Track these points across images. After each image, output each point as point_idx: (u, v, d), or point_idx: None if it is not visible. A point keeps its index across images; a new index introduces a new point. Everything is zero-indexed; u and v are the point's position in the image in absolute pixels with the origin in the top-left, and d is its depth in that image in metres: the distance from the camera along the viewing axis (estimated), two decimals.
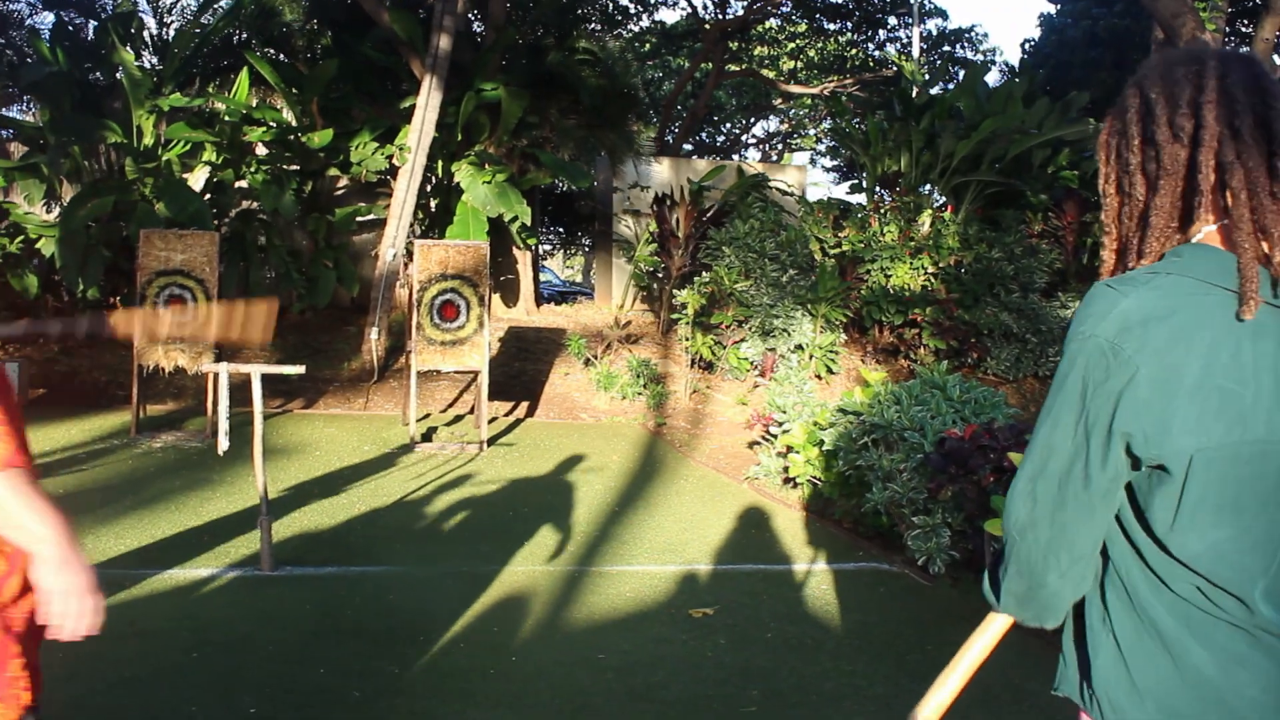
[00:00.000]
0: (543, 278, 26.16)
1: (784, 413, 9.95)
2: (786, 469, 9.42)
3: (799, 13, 27.82)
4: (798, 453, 9.11)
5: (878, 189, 17.16)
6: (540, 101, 16.64)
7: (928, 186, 16.86)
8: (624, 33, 28.46)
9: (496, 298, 17.05)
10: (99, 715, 4.48)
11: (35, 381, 12.23)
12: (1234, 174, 1.68)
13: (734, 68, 28.59)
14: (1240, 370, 1.63)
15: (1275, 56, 13.94)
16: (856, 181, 22.38)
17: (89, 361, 13.05)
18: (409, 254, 13.12)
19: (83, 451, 9.90)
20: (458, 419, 12.54)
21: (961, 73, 21.93)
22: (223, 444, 6.85)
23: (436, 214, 16.00)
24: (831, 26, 28.97)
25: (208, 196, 14.55)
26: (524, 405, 13.23)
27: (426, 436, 11.37)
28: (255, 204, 14.95)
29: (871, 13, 27.82)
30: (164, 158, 14.33)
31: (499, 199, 14.73)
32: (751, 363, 13.32)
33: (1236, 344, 1.63)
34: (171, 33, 16.93)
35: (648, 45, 30.71)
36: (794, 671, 5.38)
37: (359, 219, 15.61)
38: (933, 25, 32.18)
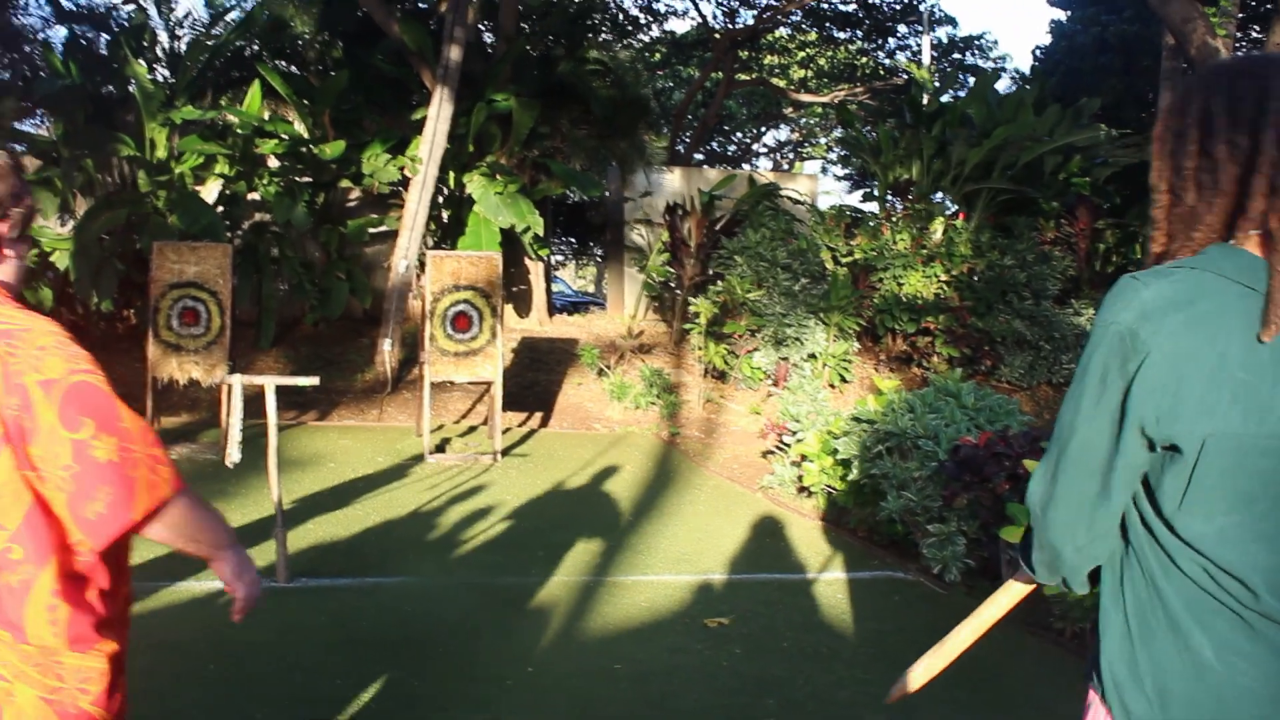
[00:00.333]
0: (555, 288, 26.15)
1: (798, 422, 9.95)
2: (801, 478, 9.42)
3: (809, 21, 27.80)
4: (812, 461, 9.11)
5: (889, 197, 17.15)
6: (551, 112, 16.65)
7: (939, 194, 16.84)
8: (634, 43, 28.48)
9: (509, 308, 17.05)
10: None
11: None
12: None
13: (744, 77, 28.60)
14: (1257, 364, 1.68)
15: None
16: (868, 190, 22.43)
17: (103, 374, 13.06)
18: (421, 265, 13.14)
19: None
20: (471, 430, 12.54)
21: (972, 80, 21.89)
22: (233, 456, 6.86)
23: (448, 225, 16.01)
24: (841, 35, 28.93)
25: (220, 209, 14.58)
26: (537, 416, 13.23)
27: (440, 448, 11.37)
28: (268, 216, 14.97)
29: (881, 21, 27.79)
30: (177, 170, 14.36)
31: (511, 209, 14.74)
32: (765, 372, 13.31)
33: (1254, 339, 1.68)
34: (184, 46, 16.95)
35: (658, 55, 30.71)
36: (810, 680, 5.37)
37: (371, 230, 15.62)
38: (943, 33, 32.17)
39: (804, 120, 36.79)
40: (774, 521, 8.95)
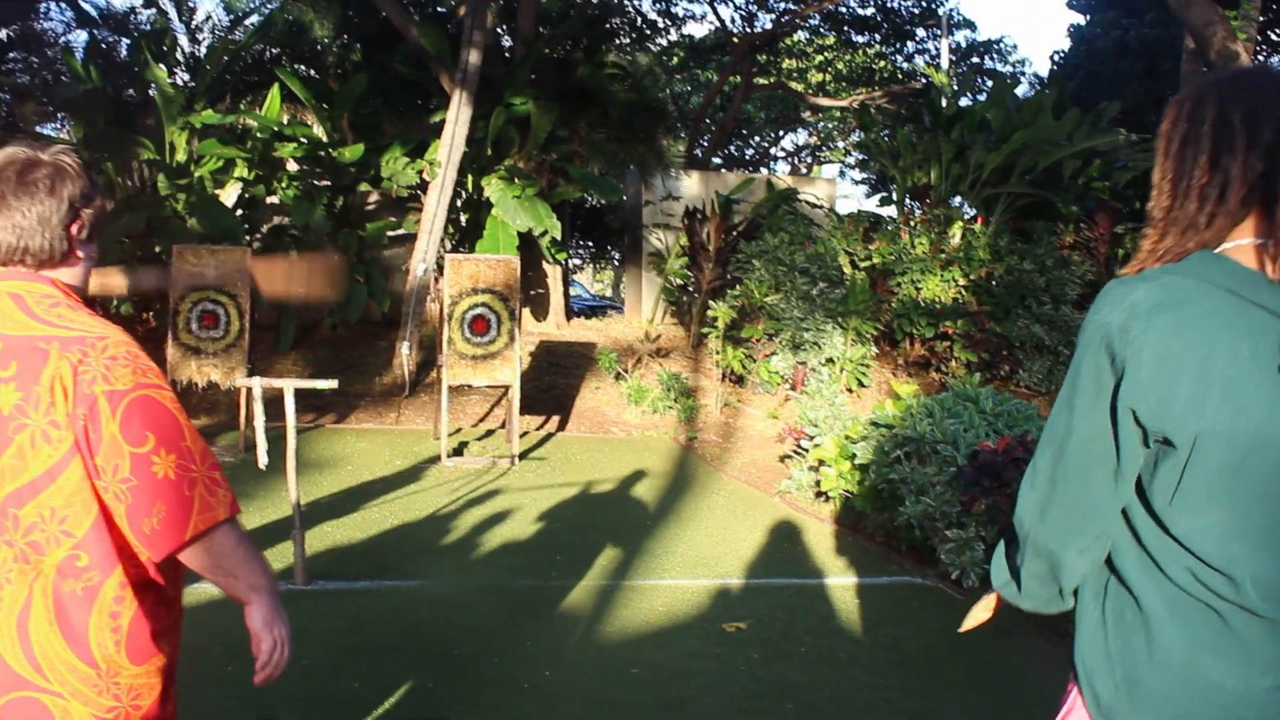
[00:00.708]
0: (573, 292, 26.18)
1: (815, 426, 9.94)
2: (818, 482, 9.40)
3: (827, 25, 27.80)
4: (829, 466, 9.09)
5: (908, 201, 17.12)
6: (570, 115, 16.67)
7: (958, 198, 16.80)
8: (653, 46, 28.50)
9: (526, 312, 17.07)
10: None
11: None
12: None
13: (762, 81, 28.61)
14: (1243, 364, 1.72)
15: None
16: (886, 194, 22.34)
17: None
18: (440, 268, 13.15)
19: None
20: (489, 433, 12.56)
21: (990, 84, 21.84)
22: (262, 459, 6.87)
23: (467, 228, 16.04)
24: (860, 39, 28.92)
25: (240, 212, 14.64)
26: (555, 419, 13.24)
27: (458, 451, 11.39)
28: (287, 219, 15.02)
29: (900, 25, 27.77)
30: (196, 174, 14.43)
31: (529, 213, 14.76)
32: (782, 376, 13.29)
33: (1238, 341, 1.72)
34: (204, 50, 17.07)
35: (676, 59, 30.74)
36: (827, 685, 5.36)
37: (390, 234, 15.66)
38: (961, 37, 32.15)
39: (822, 124, 36.78)
40: (791, 526, 8.93)
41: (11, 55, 18.28)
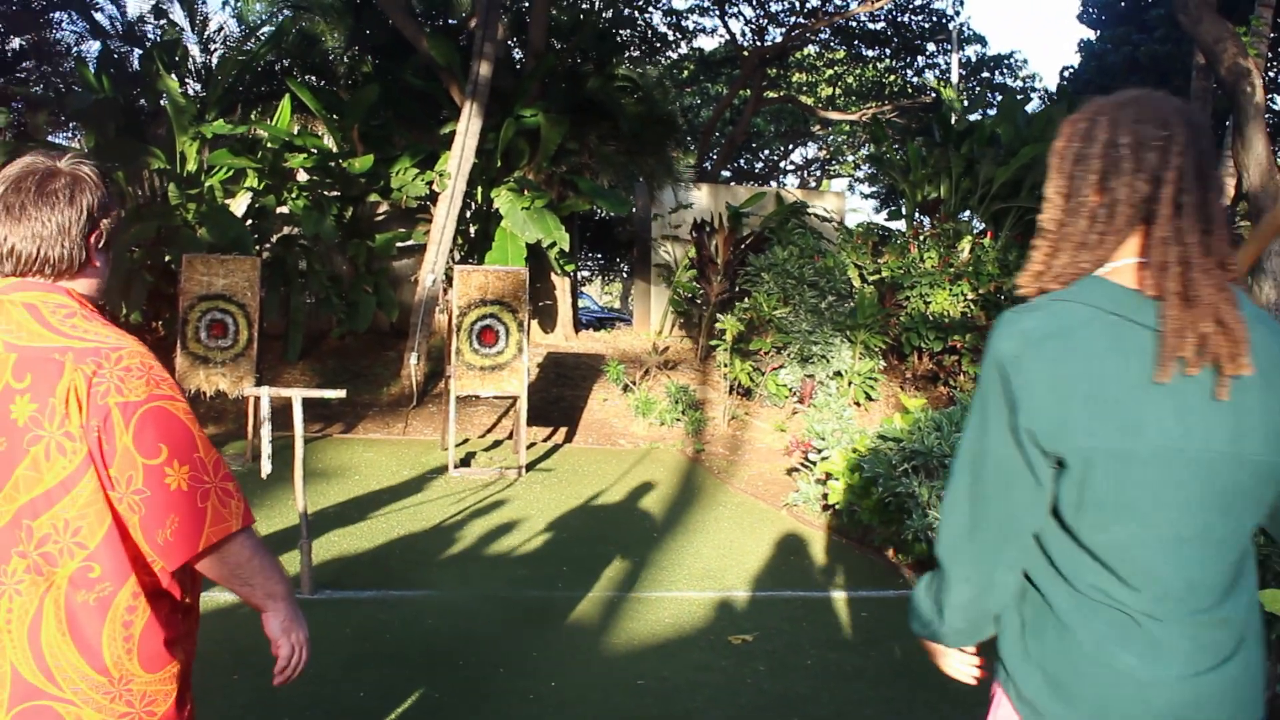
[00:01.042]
0: (581, 304, 26.19)
1: (823, 439, 9.93)
2: (825, 495, 9.39)
3: (837, 39, 27.81)
4: (837, 479, 9.08)
5: (917, 215, 17.12)
6: (580, 128, 16.69)
7: (967, 213, 16.81)
8: (663, 60, 28.53)
9: (535, 323, 17.08)
10: None
11: None
12: (1172, 249, 1.89)
13: (772, 94, 28.60)
14: (1130, 384, 1.85)
15: None
16: (896, 208, 22.36)
17: None
18: (448, 279, 13.18)
19: None
20: (496, 444, 12.56)
21: (1000, 99, 21.89)
22: (266, 467, 6.88)
23: (476, 240, 16.06)
24: (870, 53, 28.92)
25: (249, 222, 14.67)
26: (562, 431, 13.24)
27: (465, 461, 11.39)
28: (296, 229, 15.05)
29: (910, 39, 27.77)
30: (207, 184, 14.46)
31: (538, 225, 14.77)
32: (790, 389, 13.28)
33: (1124, 361, 1.85)
34: (215, 60, 17.09)
35: (686, 72, 30.77)
36: (834, 699, 5.35)
37: (399, 244, 15.68)
38: (972, 51, 32.17)
39: (831, 138, 36.80)
40: (798, 539, 8.92)
41: (24, 65, 18.36)
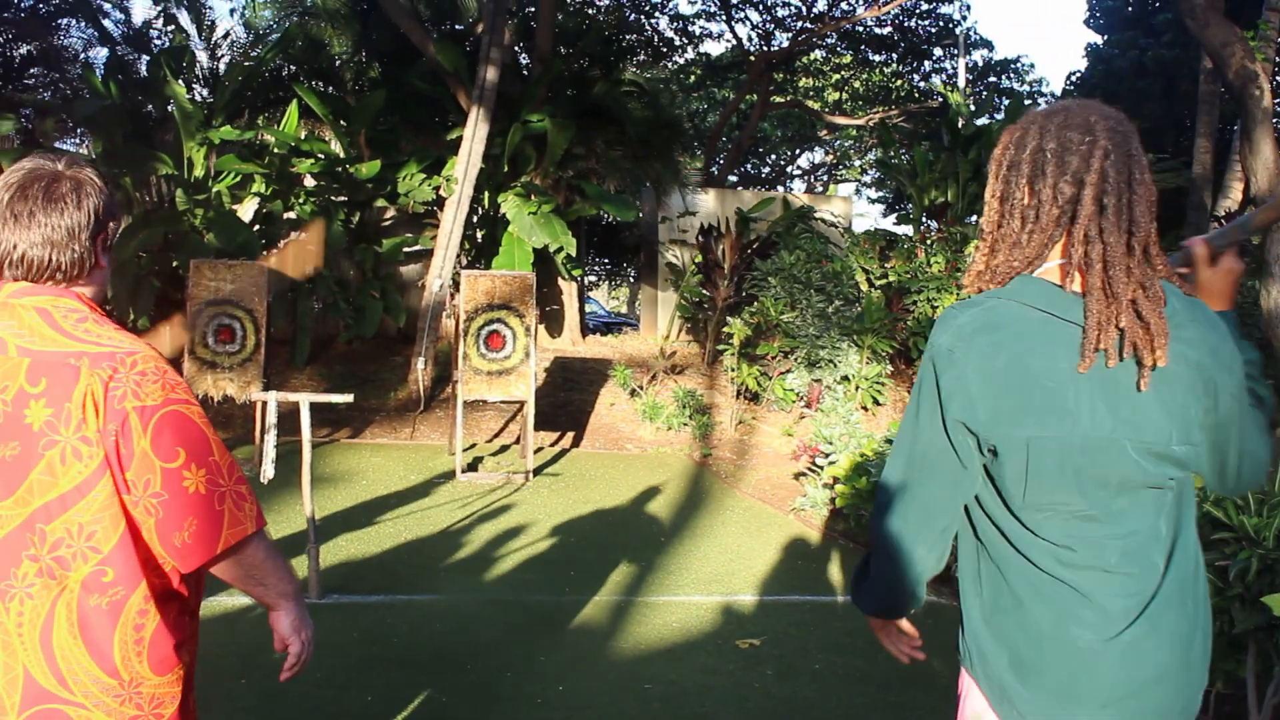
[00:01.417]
0: (588, 308, 26.21)
1: (830, 444, 9.92)
2: (833, 500, 9.38)
3: (844, 44, 27.81)
4: (844, 484, 9.07)
5: (924, 219, 17.11)
6: (586, 133, 16.70)
7: (974, 217, 16.78)
8: (670, 65, 28.54)
9: (542, 328, 17.09)
10: None
11: None
12: (1095, 246, 2.01)
13: (779, 99, 28.62)
14: (1060, 376, 1.97)
15: None
16: (903, 212, 22.36)
17: None
18: (455, 284, 13.18)
19: None
20: (503, 449, 12.56)
21: (1007, 103, 21.85)
22: (268, 472, 6.89)
23: (483, 244, 16.08)
24: (877, 58, 28.93)
25: (257, 227, 14.69)
26: (569, 435, 13.24)
27: (472, 466, 11.39)
28: (304, 235, 15.09)
29: (917, 44, 27.77)
30: (214, 189, 14.49)
31: (545, 230, 14.79)
32: (797, 394, 13.27)
33: (1053, 354, 1.98)
34: (222, 66, 17.15)
35: (693, 77, 30.79)
36: (841, 703, 5.34)
37: (406, 249, 15.70)
38: (979, 56, 32.13)
39: (838, 143, 36.78)
40: (806, 543, 8.92)
41: (32, 71, 18.42)
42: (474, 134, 14.12)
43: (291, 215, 14.95)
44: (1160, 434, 1.99)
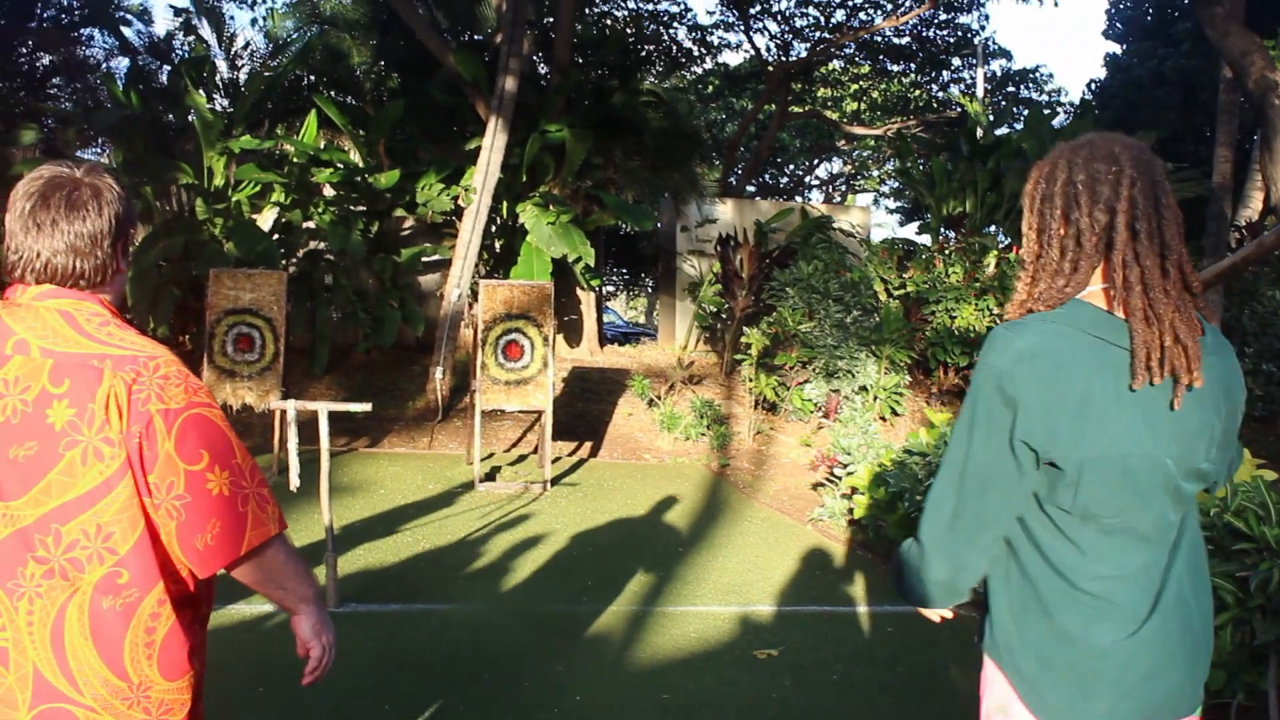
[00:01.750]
0: (606, 318, 26.21)
1: (848, 454, 9.90)
2: (851, 510, 9.35)
3: (862, 54, 27.76)
4: (862, 494, 9.04)
5: (942, 230, 17.08)
6: (605, 143, 16.72)
7: (993, 227, 16.76)
8: (688, 75, 28.54)
9: (560, 338, 17.10)
10: None
11: None
12: (1133, 270, 2.12)
13: (797, 109, 28.57)
14: (1110, 398, 2.09)
15: None
16: (921, 222, 22.29)
17: None
18: (474, 294, 13.20)
19: None
20: (522, 459, 12.57)
21: (1026, 113, 21.83)
22: (294, 481, 6.90)
23: (501, 254, 16.10)
24: (895, 68, 28.86)
25: (276, 236, 14.74)
26: (587, 445, 13.24)
27: (490, 476, 11.39)
28: (323, 244, 15.13)
29: (935, 54, 27.70)
30: (234, 198, 14.54)
31: (563, 239, 14.80)
32: (815, 404, 13.26)
33: (1105, 378, 2.10)
34: (242, 76, 17.21)
35: (711, 87, 30.78)
36: (859, 713, 5.32)
37: (424, 259, 15.73)
38: (997, 66, 32.05)
39: (857, 153, 36.74)
40: (823, 554, 8.90)
41: (54, 81, 18.51)
42: (492, 144, 14.15)
43: (310, 225, 15.00)
44: (1193, 450, 2.15)
